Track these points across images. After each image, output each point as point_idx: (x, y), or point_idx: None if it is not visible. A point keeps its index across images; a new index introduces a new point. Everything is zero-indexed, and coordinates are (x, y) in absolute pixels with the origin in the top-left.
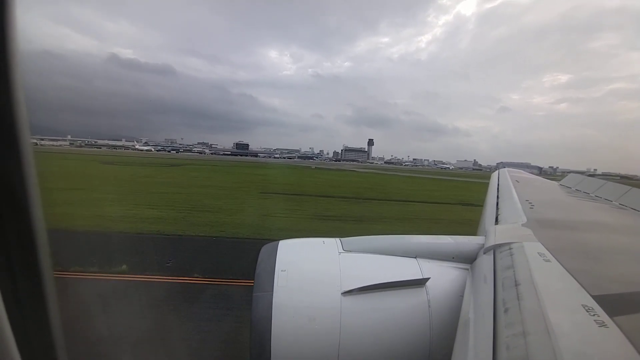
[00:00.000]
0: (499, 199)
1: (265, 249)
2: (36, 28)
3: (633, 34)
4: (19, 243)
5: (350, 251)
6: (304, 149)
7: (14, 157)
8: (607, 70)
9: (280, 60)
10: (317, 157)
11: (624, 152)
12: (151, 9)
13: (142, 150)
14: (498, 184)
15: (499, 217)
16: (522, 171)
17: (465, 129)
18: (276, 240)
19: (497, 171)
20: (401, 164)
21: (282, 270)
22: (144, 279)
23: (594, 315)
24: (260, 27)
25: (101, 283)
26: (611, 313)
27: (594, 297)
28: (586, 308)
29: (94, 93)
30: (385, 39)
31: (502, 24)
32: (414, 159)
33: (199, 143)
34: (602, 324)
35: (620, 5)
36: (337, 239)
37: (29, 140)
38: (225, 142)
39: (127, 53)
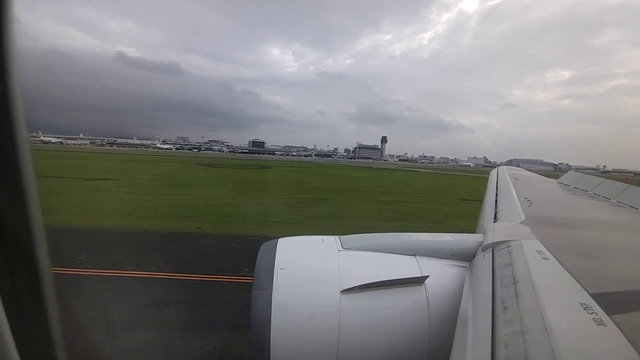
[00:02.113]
0: (498, 197)
1: (264, 247)
2: (42, 27)
3: (635, 30)
4: (16, 241)
5: (349, 249)
6: (308, 145)
7: (12, 155)
8: (609, 67)
9: (283, 58)
10: (334, 155)
11: (627, 147)
12: (154, 8)
13: (162, 148)
14: (497, 182)
15: (497, 214)
16: (520, 169)
17: (469, 125)
18: None
19: (495, 169)
20: (416, 162)
21: (281, 269)
22: None
23: (592, 313)
24: (263, 25)
25: None
26: (609, 311)
27: (592, 295)
28: (584, 306)
29: (101, 91)
30: (388, 37)
31: (504, 21)
32: (424, 156)
33: (210, 141)
34: (600, 322)
35: (623, 2)
36: (337, 237)
37: (26, 137)
38: (229, 139)
39: (131, 51)
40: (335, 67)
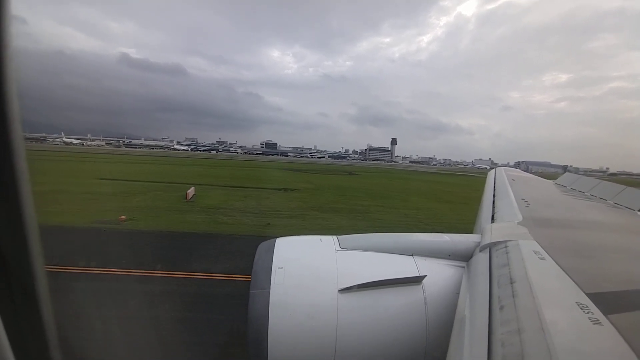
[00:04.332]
0: (495, 198)
1: (262, 247)
2: (46, 29)
3: (632, 34)
4: (10, 240)
5: (347, 249)
6: (308, 146)
7: (6, 154)
8: (607, 70)
9: (283, 59)
10: (348, 157)
11: (625, 149)
12: (155, 10)
13: (179, 150)
14: (494, 183)
15: (495, 215)
16: (518, 170)
17: (468, 127)
18: None
19: (493, 170)
20: (428, 164)
21: (279, 268)
22: None
23: (588, 312)
24: (263, 28)
25: None
26: (605, 311)
27: (589, 295)
28: (580, 306)
29: (104, 92)
30: (387, 39)
31: (502, 25)
32: (429, 158)
33: (218, 142)
34: (596, 322)
35: (620, 6)
36: (334, 237)
37: (21, 136)
38: (232, 139)
39: (133, 52)
40: (335, 69)
